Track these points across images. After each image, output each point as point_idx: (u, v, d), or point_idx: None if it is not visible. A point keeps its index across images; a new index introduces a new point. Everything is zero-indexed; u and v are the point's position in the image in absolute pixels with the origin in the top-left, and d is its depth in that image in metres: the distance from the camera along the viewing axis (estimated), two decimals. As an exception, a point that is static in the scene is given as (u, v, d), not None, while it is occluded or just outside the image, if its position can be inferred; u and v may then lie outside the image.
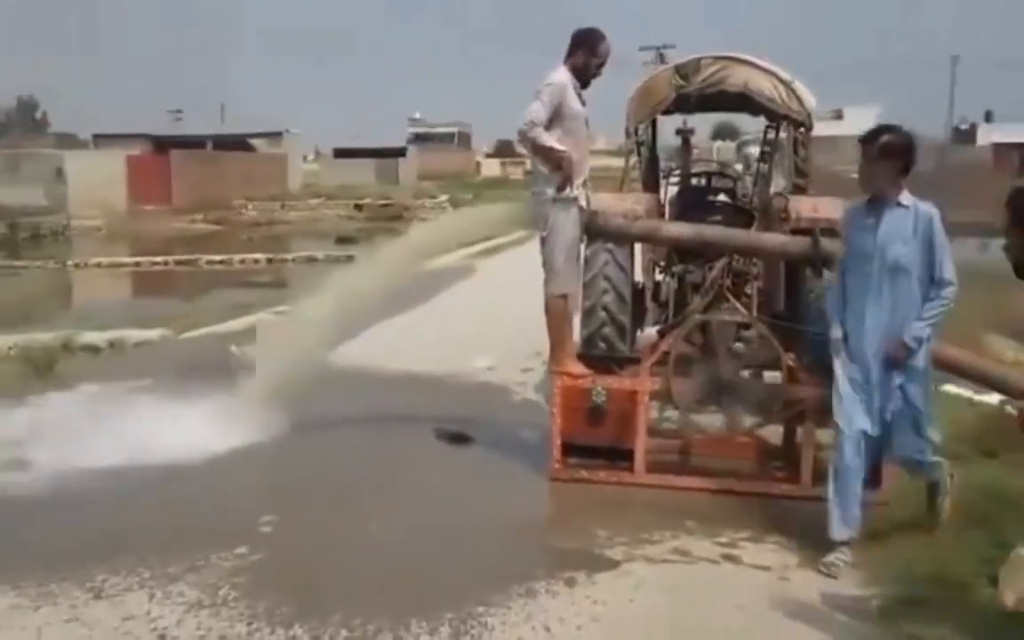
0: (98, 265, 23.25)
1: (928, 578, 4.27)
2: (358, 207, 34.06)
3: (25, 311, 16.86)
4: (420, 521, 5.02)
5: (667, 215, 7.46)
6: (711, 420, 5.64)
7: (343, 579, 4.29)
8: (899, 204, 4.42)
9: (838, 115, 68.92)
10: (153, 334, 11.88)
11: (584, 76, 5.67)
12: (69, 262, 23.49)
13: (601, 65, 5.74)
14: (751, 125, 23.15)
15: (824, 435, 5.82)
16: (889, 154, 4.39)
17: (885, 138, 4.40)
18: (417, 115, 63.63)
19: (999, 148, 54.86)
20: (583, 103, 5.66)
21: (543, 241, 5.57)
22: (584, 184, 5.58)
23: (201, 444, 5.93)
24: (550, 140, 5.44)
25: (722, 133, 60.60)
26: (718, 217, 6.79)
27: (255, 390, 6.53)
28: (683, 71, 6.67)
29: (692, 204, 7.21)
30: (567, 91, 5.55)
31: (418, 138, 56.36)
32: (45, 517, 5.04)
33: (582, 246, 5.86)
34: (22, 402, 7.12)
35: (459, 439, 6.33)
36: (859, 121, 72.67)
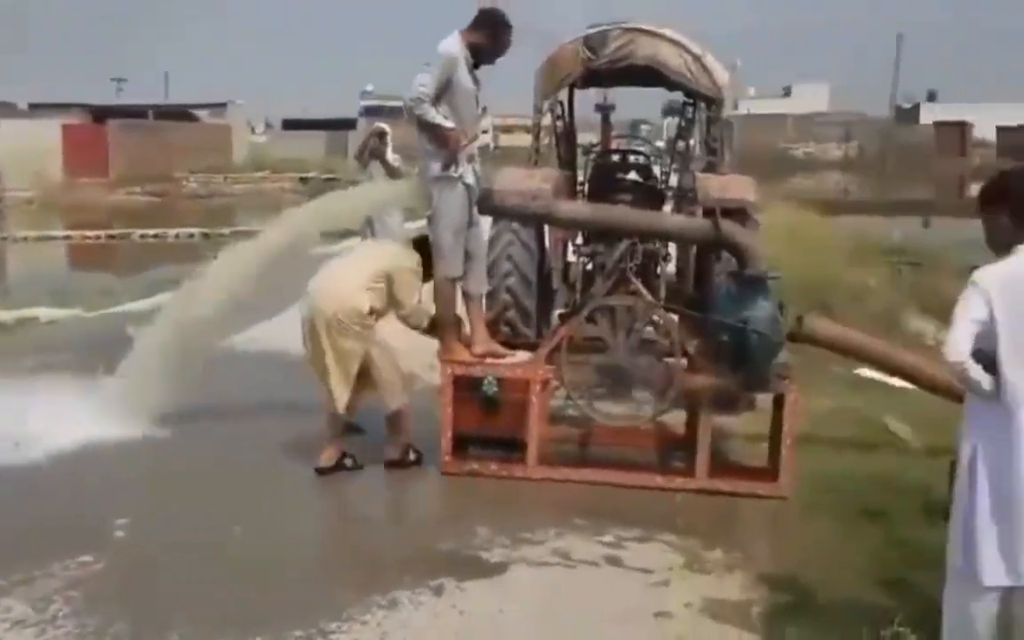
0: (25, 239, 22.46)
1: (818, 580, 4.07)
2: (303, 180, 33.37)
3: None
4: (290, 523, 4.70)
5: (585, 193, 7.20)
6: (618, 408, 5.37)
7: (192, 590, 3.97)
8: None
9: (787, 92, 69.26)
10: (64, 313, 11.44)
11: (479, 58, 5.35)
12: (-6, 236, 22.63)
13: (498, 55, 5.42)
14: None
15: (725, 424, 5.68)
16: None
17: None
18: (369, 88, 62.55)
19: (941, 127, 55.35)
20: (476, 81, 5.34)
21: (429, 221, 5.27)
22: (471, 160, 5.27)
23: (69, 434, 5.57)
24: (437, 116, 5.11)
25: (673, 110, 60.39)
26: (628, 196, 6.52)
27: (139, 375, 6.14)
28: (591, 43, 6.38)
29: (603, 183, 6.93)
30: (459, 66, 5.22)
31: (369, 111, 55.47)
32: None
33: (471, 227, 5.52)
34: None
35: (353, 430, 5.99)
36: (807, 99, 72.45)
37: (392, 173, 8.74)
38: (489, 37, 5.29)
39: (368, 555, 4.42)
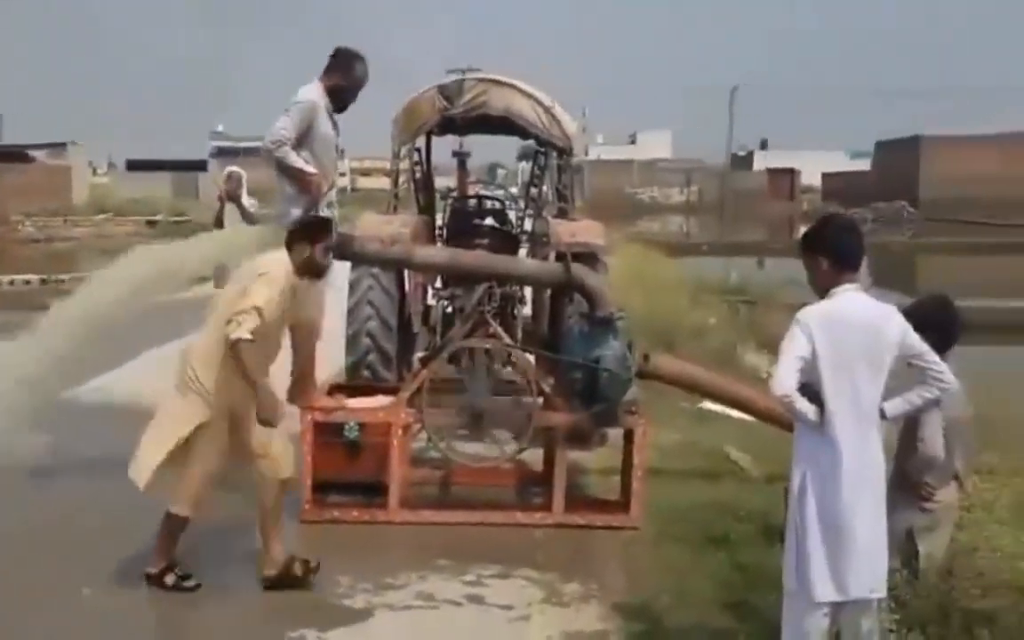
0: None
1: (668, 607, 4.27)
2: (150, 223, 32.16)
3: None
4: (141, 582, 4.46)
5: (443, 237, 7.34)
6: (478, 448, 5.46)
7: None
8: None
9: (632, 139, 72.47)
10: None
11: (338, 100, 5.41)
12: None
13: (355, 91, 5.48)
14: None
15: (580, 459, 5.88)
16: None
17: None
18: (220, 128, 61.07)
19: (773, 173, 59.23)
20: (336, 126, 5.39)
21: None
22: (330, 206, 5.31)
23: None
24: (298, 160, 5.13)
25: (528, 155, 61.87)
26: (485, 241, 6.71)
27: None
28: (447, 93, 6.55)
29: (461, 228, 7.10)
30: (318, 112, 5.26)
31: (221, 152, 54.15)
32: None
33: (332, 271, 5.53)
34: None
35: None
36: (652, 146, 75.77)
37: (248, 217, 8.62)
38: (343, 73, 5.38)
39: (226, 609, 4.31)
